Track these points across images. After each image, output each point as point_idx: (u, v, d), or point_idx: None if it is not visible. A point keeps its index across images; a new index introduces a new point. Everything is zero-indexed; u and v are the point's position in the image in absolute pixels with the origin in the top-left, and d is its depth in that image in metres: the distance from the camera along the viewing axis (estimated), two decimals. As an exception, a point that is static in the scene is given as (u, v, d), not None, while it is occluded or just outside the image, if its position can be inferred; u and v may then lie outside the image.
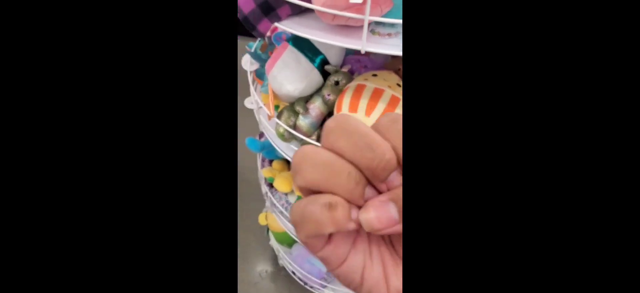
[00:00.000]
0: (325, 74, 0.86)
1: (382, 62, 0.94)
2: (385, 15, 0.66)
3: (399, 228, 0.21)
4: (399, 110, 0.74)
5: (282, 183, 1.08)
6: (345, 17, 0.64)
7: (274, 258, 1.47)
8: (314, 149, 0.21)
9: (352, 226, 0.21)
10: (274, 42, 0.92)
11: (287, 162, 1.15)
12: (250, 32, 0.77)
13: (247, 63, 1.05)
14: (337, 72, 0.84)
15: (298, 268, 1.24)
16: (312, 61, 0.85)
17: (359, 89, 0.76)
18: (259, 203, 1.40)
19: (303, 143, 0.87)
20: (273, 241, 1.37)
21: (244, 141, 1.11)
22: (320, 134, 0.84)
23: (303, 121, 0.83)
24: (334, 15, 0.64)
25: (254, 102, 1.02)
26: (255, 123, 1.08)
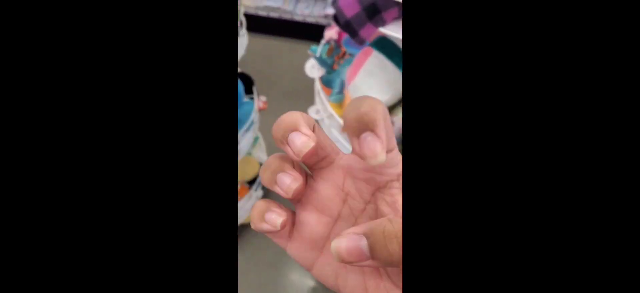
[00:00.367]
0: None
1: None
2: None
3: (370, 263, 0.21)
4: None
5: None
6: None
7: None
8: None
9: (265, 227, 0.25)
10: (345, 45, 0.85)
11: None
12: (352, 38, 0.70)
13: (311, 69, 0.97)
14: None
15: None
16: (401, 66, 0.80)
17: None
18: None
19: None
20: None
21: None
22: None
23: None
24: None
25: (320, 111, 0.95)
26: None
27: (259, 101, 1.42)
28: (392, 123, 0.79)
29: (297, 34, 2.47)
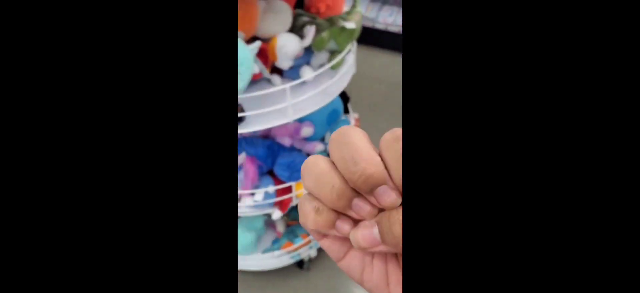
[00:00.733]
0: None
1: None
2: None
3: (382, 248, 0.23)
4: None
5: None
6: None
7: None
8: (314, 160, 0.23)
9: (334, 233, 0.24)
10: None
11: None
12: None
13: None
14: None
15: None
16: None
17: None
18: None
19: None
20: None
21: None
22: None
23: None
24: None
25: None
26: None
27: (352, 118, 1.40)
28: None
29: (378, 44, 2.38)
